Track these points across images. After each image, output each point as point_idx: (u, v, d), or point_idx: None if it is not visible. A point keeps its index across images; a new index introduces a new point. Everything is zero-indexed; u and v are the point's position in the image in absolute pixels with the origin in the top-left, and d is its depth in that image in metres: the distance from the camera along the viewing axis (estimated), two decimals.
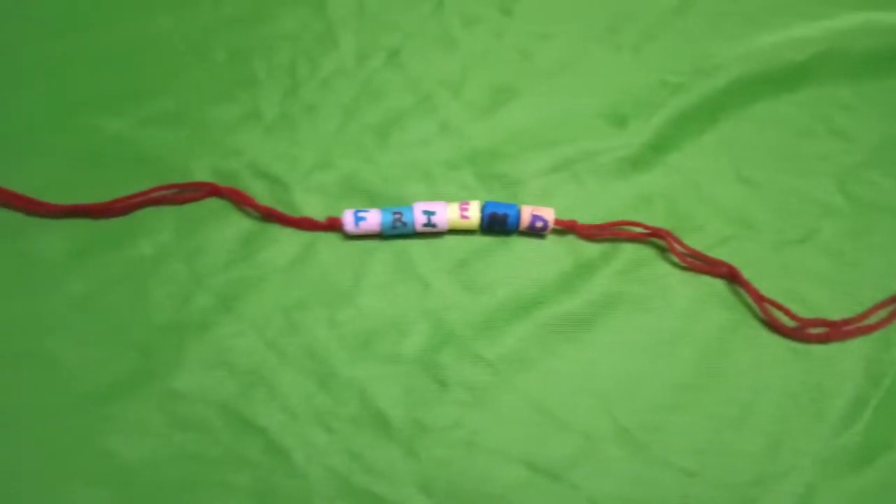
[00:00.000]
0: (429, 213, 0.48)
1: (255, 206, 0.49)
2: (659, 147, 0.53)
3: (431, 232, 0.49)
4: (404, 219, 0.48)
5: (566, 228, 0.50)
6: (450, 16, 0.57)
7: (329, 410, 0.45)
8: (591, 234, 0.50)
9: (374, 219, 0.48)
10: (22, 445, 0.43)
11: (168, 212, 0.49)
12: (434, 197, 0.50)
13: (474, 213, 0.49)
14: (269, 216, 0.49)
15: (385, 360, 0.47)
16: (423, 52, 0.55)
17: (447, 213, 0.49)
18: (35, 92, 0.50)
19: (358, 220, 0.48)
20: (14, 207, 0.48)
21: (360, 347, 0.47)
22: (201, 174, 0.50)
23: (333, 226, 0.49)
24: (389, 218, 0.48)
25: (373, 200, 0.50)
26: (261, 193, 0.50)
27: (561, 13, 0.57)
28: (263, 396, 0.45)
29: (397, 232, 0.49)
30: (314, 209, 0.50)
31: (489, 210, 0.49)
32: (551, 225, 0.49)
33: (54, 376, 0.44)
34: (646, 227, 0.50)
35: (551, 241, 0.51)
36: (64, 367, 0.45)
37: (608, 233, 0.50)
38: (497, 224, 0.49)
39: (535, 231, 0.50)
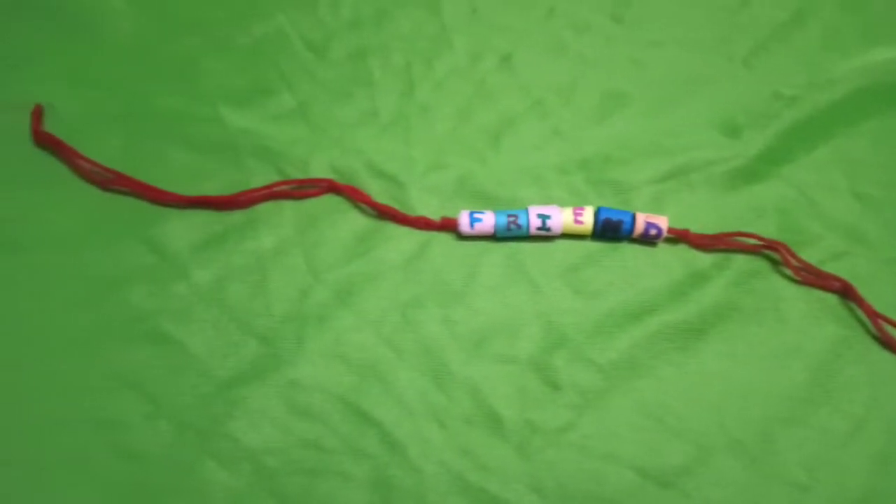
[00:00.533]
0: (543, 217, 0.49)
1: (372, 204, 0.50)
2: (772, 159, 0.53)
3: (544, 235, 0.49)
4: (519, 221, 0.49)
5: (679, 237, 0.50)
6: (561, 22, 0.57)
7: (443, 408, 0.46)
8: (705, 243, 0.50)
9: (489, 220, 0.49)
10: (156, 425, 0.44)
11: (288, 206, 0.50)
12: (545, 200, 0.51)
13: (588, 219, 0.49)
14: (385, 214, 0.50)
15: (498, 361, 0.47)
16: (534, 56, 0.56)
17: (561, 218, 0.49)
18: (168, 86, 0.52)
19: (474, 221, 0.49)
20: (143, 197, 0.49)
21: (474, 347, 0.47)
22: (320, 170, 0.50)
23: (447, 226, 0.49)
24: (504, 220, 0.49)
25: (485, 202, 0.51)
26: (377, 191, 0.51)
27: (672, 22, 0.58)
28: (379, 391, 0.46)
29: (511, 234, 0.49)
30: (428, 208, 0.50)
31: (603, 216, 0.49)
32: (665, 233, 0.49)
33: (182, 360, 0.46)
34: (760, 239, 0.50)
35: (662, 249, 0.51)
36: (190, 353, 0.46)
37: (722, 243, 0.50)
38: (610, 230, 0.49)
39: (648, 238, 0.50)
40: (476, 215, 0.49)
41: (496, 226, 0.49)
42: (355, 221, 0.50)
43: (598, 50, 0.56)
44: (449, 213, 0.50)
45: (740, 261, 0.50)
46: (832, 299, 0.50)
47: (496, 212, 0.49)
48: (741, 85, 0.55)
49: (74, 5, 0.53)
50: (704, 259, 0.50)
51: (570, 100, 0.54)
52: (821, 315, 0.50)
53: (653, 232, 0.49)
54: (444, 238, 0.50)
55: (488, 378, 0.47)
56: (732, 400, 0.47)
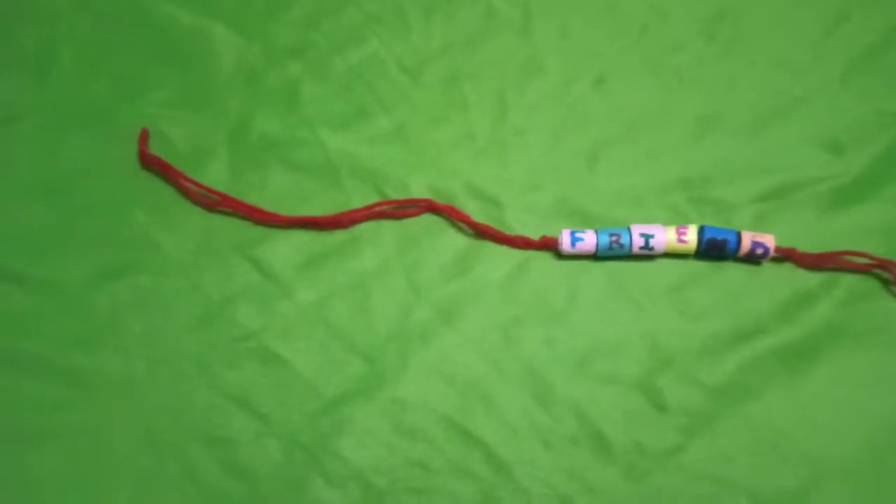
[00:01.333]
0: (646, 236, 0.48)
1: (471, 224, 0.50)
2: (877, 177, 0.52)
3: (646, 254, 0.49)
4: (621, 241, 0.48)
5: (785, 256, 0.49)
6: (653, 42, 0.56)
7: (548, 428, 0.46)
8: (812, 263, 0.49)
9: (590, 240, 0.49)
10: (266, 443, 0.45)
11: (388, 226, 0.50)
12: (644, 220, 0.50)
13: (692, 238, 0.49)
14: (484, 234, 0.50)
15: (602, 381, 0.47)
16: (626, 78, 0.55)
17: (665, 237, 0.48)
18: (270, 111, 0.53)
19: (575, 240, 0.48)
20: (249, 218, 0.50)
21: (577, 366, 0.47)
22: (419, 191, 0.51)
23: (547, 245, 0.49)
24: (606, 240, 0.48)
25: (582, 222, 0.51)
26: (475, 211, 0.51)
27: (764, 41, 0.57)
28: (483, 410, 0.46)
29: (612, 253, 0.49)
30: (526, 228, 0.50)
31: (708, 235, 0.48)
32: (772, 252, 0.48)
33: (289, 379, 0.46)
34: (871, 258, 0.49)
35: (767, 268, 0.50)
36: (296, 371, 0.46)
37: (830, 262, 0.49)
38: (715, 249, 0.48)
39: (754, 258, 0.49)
40: (578, 235, 0.49)
41: (598, 245, 0.48)
42: (455, 241, 0.50)
43: (692, 70, 0.55)
44: (546, 233, 0.50)
45: (849, 281, 0.49)
46: None
47: (598, 231, 0.49)
48: (840, 104, 0.54)
49: (181, 33, 0.55)
50: (811, 279, 0.49)
51: (664, 121, 0.53)
52: None
53: (759, 251, 0.48)
54: (543, 257, 0.50)
55: (592, 398, 0.46)
56: (843, 424, 0.46)
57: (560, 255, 0.50)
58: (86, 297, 0.48)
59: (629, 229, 0.49)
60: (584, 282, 0.49)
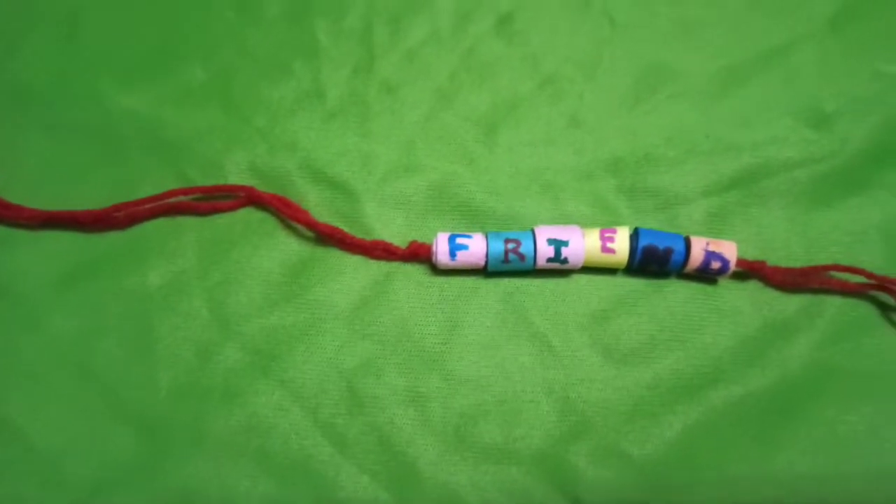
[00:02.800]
0: (557, 243, 0.35)
1: (309, 223, 0.36)
2: (875, 158, 0.39)
3: (558, 269, 0.36)
4: (522, 249, 0.35)
5: (751, 272, 0.37)
6: None
7: None
8: (788, 281, 0.37)
9: (478, 247, 0.35)
10: None
11: (189, 225, 0.37)
12: (559, 218, 0.38)
13: (622, 245, 0.36)
14: (328, 237, 0.36)
15: (490, 458, 0.34)
16: (541, 17, 0.42)
17: (583, 244, 0.35)
18: (28, 54, 0.39)
19: (456, 248, 0.35)
20: None
21: (454, 437, 0.34)
22: (237, 173, 0.38)
23: (418, 254, 0.36)
24: (500, 247, 0.35)
25: (473, 219, 0.38)
26: (318, 204, 0.37)
27: None
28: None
29: (510, 268, 0.36)
30: (389, 229, 0.37)
31: (644, 241, 0.36)
32: (732, 266, 0.36)
33: (21, 459, 0.33)
34: (867, 275, 0.36)
35: (726, 288, 0.37)
36: (32, 446, 0.33)
37: (812, 280, 0.37)
38: (654, 262, 0.36)
39: (708, 274, 0.36)
40: (460, 240, 0.35)
41: (489, 255, 0.35)
42: (285, 249, 0.37)
43: (631, 8, 0.42)
44: (420, 237, 0.37)
45: (837, 307, 0.37)
46: None
47: (488, 234, 0.36)
48: (830, 57, 0.41)
49: None
50: (787, 304, 0.37)
51: (593, 76, 0.41)
52: None
53: (715, 265, 0.35)
54: (414, 272, 0.37)
55: (474, 483, 0.33)
56: None
57: (435, 269, 0.36)
58: None
59: (533, 232, 0.36)
60: (470, 309, 0.36)
